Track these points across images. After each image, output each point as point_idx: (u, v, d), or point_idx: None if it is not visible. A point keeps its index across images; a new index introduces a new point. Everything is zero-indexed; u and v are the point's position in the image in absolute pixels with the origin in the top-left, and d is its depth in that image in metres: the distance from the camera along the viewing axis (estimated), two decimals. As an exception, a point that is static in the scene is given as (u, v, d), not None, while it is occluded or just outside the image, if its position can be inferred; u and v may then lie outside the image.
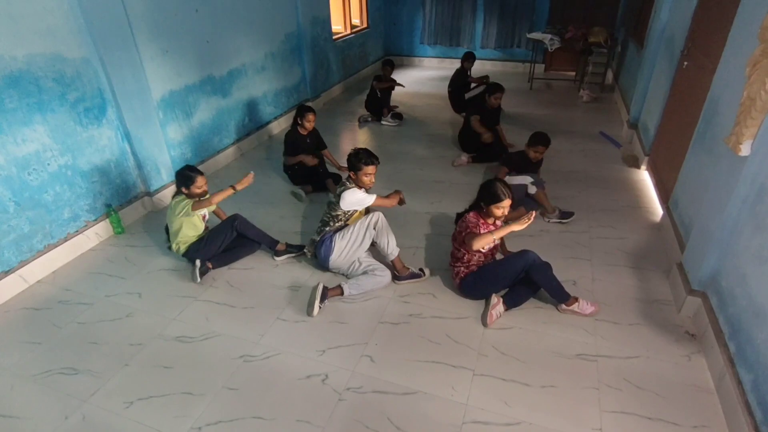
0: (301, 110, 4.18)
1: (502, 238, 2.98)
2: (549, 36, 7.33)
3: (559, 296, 2.70)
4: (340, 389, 2.31)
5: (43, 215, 3.15)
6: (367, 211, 3.23)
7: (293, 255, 3.32)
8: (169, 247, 3.27)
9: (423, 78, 8.44)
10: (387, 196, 3.15)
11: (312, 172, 4.29)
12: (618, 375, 2.36)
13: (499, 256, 3.01)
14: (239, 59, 4.96)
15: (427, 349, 2.55)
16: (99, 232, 3.56)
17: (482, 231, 2.70)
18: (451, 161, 4.89)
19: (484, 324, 2.69)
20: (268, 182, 4.54)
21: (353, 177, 3.01)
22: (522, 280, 2.76)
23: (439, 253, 3.33)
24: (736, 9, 2.76)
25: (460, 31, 8.86)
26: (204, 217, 3.27)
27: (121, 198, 3.75)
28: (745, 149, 2.23)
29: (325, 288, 2.85)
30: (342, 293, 2.89)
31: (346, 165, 3.07)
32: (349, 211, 3.04)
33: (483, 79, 6.39)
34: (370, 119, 6.20)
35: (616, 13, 7.90)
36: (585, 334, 2.62)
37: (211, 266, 3.13)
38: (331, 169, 4.49)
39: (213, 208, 3.37)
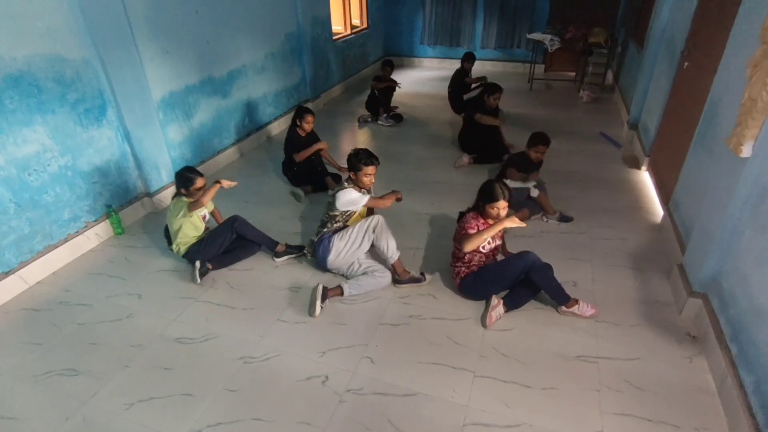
0: (300, 112, 4.18)
1: (503, 240, 2.98)
2: (549, 36, 7.34)
3: (560, 298, 2.70)
4: (340, 391, 2.31)
5: (43, 216, 3.15)
6: (369, 213, 3.24)
7: (293, 256, 3.32)
8: (170, 248, 3.26)
9: (423, 78, 8.44)
10: (382, 197, 3.12)
11: (312, 172, 4.29)
12: (619, 377, 2.36)
13: (500, 257, 3.01)
14: (239, 60, 4.96)
15: (427, 351, 2.54)
16: (99, 233, 3.56)
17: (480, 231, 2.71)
18: (451, 162, 4.89)
19: (484, 325, 2.69)
20: (267, 183, 4.54)
21: (353, 177, 3.01)
22: (522, 282, 2.76)
23: (439, 254, 3.33)
24: (736, 9, 2.75)
25: (460, 31, 8.86)
26: (204, 217, 3.27)
27: (121, 199, 3.74)
28: (746, 150, 2.23)
29: (324, 288, 2.85)
30: (342, 293, 2.89)
31: (345, 166, 3.07)
32: (347, 212, 3.04)
33: (481, 80, 6.40)
34: (369, 119, 6.20)
35: (617, 14, 7.90)
36: (585, 336, 2.62)
37: (211, 267, 3.13)
38: (331, 170, 4.48)
39: (211, 207, 3.37)
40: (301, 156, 4.20)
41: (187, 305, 2.91)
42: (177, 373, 2.44)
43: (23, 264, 3.06)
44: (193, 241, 3.17)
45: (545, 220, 3.71)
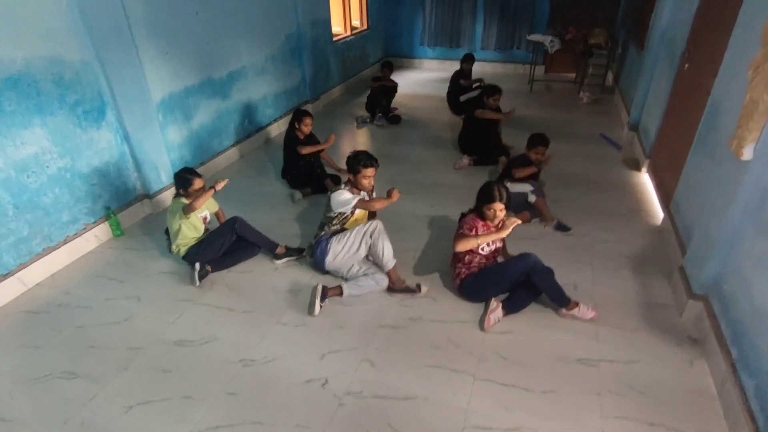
0: (299, 114, 4.19)
1: (504, 243, 2.97)
2: (549, 38, 7.33)
3: (559, 300, 2.69)
4: (340, 394, 2.30)
5: (42, 218, 3.14)
6: (371, 217, 3.23)
7: (293, 258, 3.31)
8: (170, 249, 3.26)
9: (423, 80, 8.43)
10: (372, 199, 3.06)
11: (311, 174, 4.28)
12: (619, 380, 2.35)
13: (501, 260, 3.00)
14: (239, 61, 4.95)
15: (427, 354, 2.54)
16: (98, 235, 3.55)
17: (479, 232, 2.71)
18: (451, 163, 4.89)
19: (482, 328, 2.68)
20: (267, 185, 4.53)
21: (352, 179, 3.00)
22: (523, 284, 2.75)
23: (439, 256, 3.31)
24: (737, 11, 2.74)
25: (460, 32, 8.85)
26: (205, 219, 3.26)
27: (120, 200, 3.73)
28: (747, 153, 2.22)
29: (324, 288, 2.85)
30: (341, 294, 2.89)
31: (345, 168, 3.06)
32: (343, 214, 3.03)
33: (478, 81, 6.41)
34: (367, 120, 6.22)
35: (617, 15, 7.90)
36: (586, 339, 2.61)
37: (210, 269, 3.12)
38: (331, 171, 4.47)
39: (215, 208, 3.37)
40: (307, 149, 4.17)
41: (186, 308, 2.91)
42: (176, 376, 2.43)
43: (22, 266, 3.05)
44: (193, 242, 3.17)
45: (543, 226, 3.67)
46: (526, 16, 8.33)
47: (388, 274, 2.96)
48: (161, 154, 3.96)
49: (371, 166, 2.94)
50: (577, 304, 2.69)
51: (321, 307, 2.79)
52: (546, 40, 7.32)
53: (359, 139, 5.80)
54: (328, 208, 3.03)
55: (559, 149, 5.00)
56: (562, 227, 3.63)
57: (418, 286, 2.96)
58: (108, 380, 2.40)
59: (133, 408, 2.25)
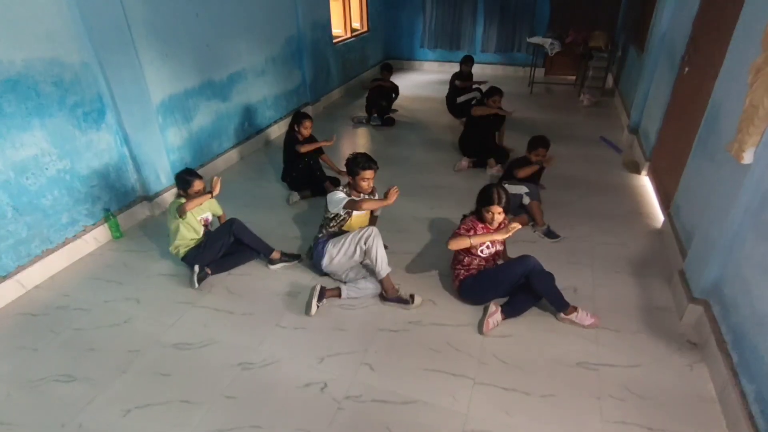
0: (298, 117, 4.19)
1: (504, 245, 2.97)
2: (549, 40, 7.34)
3: (558, 304, 2.68)
4: (339, 398, 2.29)
5: (41, 220, 3.13)
6: (373, 221, 3.23)
7: (288, 264, 3.29)
8: (170, 250, 3.25)
9: (423, 82, 8.44)
10: (362, 200, 2.94)
11: (311, 177, 4.28)
12: (619, 384, 2.34)
13: (500, 263, 2.99)
14: (239, 63, 4.95)
15: (426, 357, 2.53)
16: (97, 237, 3.54)
17: (478, 233, 2.71)
18: (451, 165, 4.88)
19: (481, 332, 2.67)
20: (267, 187, 4.53)
21: (351, 182, 2.99)
22: (522, 288, 2.74)
23: (438, 257, 3.31)
24: (738, 15, 2.74)
25: (461, 35, 8.85)
26: (207, 220, 3.26)
27: (119, 202, 3.73)
28: (747, 157, 2.22)
29: (322, 288, 2.85)
30: (339, 295, 2.88)
31: (345, 170, 3.06)
32: (341, 216, 3.02)
33: (477, 83, 6.42)
34: (364, 120, 6.26)
35: (617, 18, 7.90)
36: (586, 343, 2.60)
37: (209, 272, 3.12)
38: (330, 174, 4.47)
39: (219, 212, 3.37)
40: (306, 147, 4.17)
41: (185, 310, 2.90)
42: (175, 380, 2.42)
43: (21, 268, 3.04)
44: (192, 244, 3.16)
45: (533, 231, 3.62)
46: (526, 19, 8.34)
47: (381, 282, 2.88)
48: (161, 155, 3.95)
49: (370, 168, 2.94)
50: (575, 309, 2.69)
51: (318, 307, 2.79)
52: (546, 42, 7.32)
53: (359, 141, 5.80)
54: (326, 209, 3.03)
55: (559, 152, 4.99)
56: (551, 234, 3.56)
57: (412, 297, 2.88)
58: (106, 383, 2.39)
59: (132, 411, 2.24)
